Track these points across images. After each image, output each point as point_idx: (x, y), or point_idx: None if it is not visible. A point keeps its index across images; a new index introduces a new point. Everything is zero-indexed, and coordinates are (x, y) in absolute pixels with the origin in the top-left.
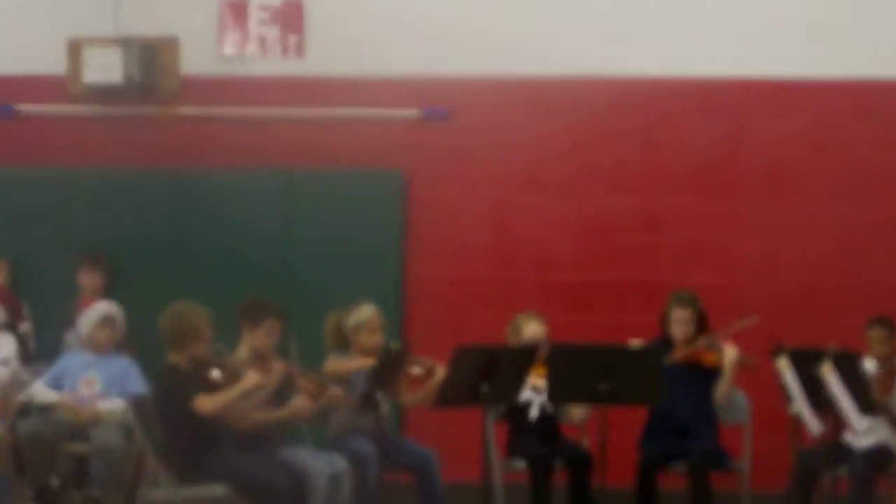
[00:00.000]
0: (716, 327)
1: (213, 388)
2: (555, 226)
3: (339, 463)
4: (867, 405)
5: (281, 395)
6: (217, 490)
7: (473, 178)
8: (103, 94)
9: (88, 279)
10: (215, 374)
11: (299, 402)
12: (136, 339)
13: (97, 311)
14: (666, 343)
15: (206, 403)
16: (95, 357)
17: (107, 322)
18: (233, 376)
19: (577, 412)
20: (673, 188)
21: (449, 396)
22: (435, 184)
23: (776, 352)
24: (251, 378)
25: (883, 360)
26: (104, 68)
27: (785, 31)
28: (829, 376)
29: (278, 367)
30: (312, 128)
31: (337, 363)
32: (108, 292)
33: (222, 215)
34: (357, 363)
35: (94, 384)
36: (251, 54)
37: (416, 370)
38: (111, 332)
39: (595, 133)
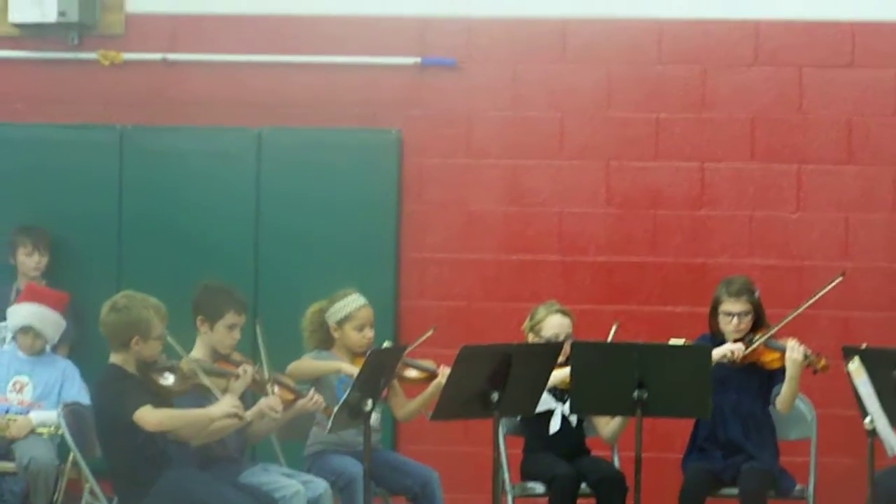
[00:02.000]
0: (775, 319)
1: (164, 396)
2: (582, 198)
3: (319, 485)
4: None
5: (246, 405)
6: None
7: (484, 139)
8: (33, 34)
9: (28, 260)
10: (168, 379)
11: (269, 401)
12: (77, 336)
13: (20, 317)
14: (715, 341)
15: (149, 416)
16: (29, 357)
17: (29, 331)
18: (188, 382)
19: (606, 425)
20: (727, 153)
21: (452, 406)
22: (437, 147)
23: (847, 352)
24: (223, 406)
25: None
26: (35, 4)
27: None
28: (858, 377)
29: (245, 372)
30: (287, 77)
31: (305, 363)
32: (49, 275)
33: (177, 183)
34: (331, 365)
35: (26, 389)
36: None
37: (412, 374)
38: (35, 341)
39: (632, 86)
